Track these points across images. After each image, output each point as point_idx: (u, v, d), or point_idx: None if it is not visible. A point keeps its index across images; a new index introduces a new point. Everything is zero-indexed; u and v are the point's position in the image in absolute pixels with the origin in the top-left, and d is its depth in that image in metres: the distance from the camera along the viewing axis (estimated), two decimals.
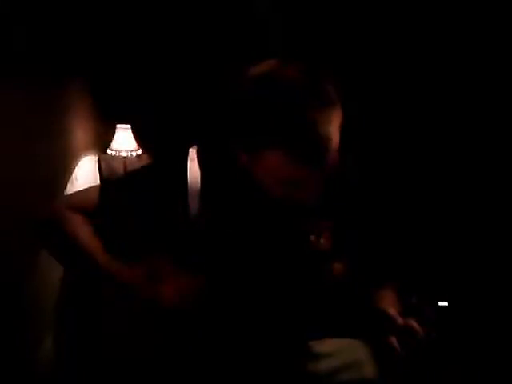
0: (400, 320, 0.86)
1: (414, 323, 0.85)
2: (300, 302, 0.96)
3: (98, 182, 2.54)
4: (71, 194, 1.08)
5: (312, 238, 0.95)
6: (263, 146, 0.81)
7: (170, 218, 0.93)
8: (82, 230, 0.94)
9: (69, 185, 2.13)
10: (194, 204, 0.92)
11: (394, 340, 0.86)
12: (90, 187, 1.04)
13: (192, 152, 0.96)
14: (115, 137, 2.44)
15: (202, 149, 0.97)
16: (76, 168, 2.22)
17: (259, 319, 0.93)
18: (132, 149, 2.45)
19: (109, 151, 2.46)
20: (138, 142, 2.48)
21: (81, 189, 1.06)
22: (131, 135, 2.46)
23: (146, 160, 2.49)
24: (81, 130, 2.30)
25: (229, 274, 0.94)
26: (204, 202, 0.92)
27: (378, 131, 2.08)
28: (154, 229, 0.94)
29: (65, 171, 2.12)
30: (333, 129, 0.80)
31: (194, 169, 0.93)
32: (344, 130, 0.83)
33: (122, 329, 0.95)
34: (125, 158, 2.45)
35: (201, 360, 0.93)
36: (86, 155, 2.36)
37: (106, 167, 2.56)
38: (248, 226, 0.94)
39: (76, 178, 2.20)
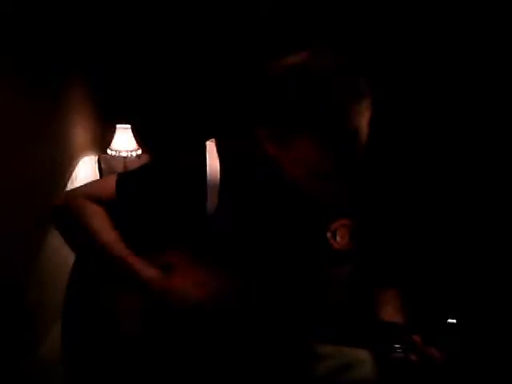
0: (406, 335, 0.84)
1: (419, 339, 0.82)
2: (304, 301, 0.95)
3: None
4: (87, 183, 1.07)
5: (328, 234, 0.95)
6: (294, 134, 0.82)
7: (188, 211, 0.92)
8: (99, 220, 0.94)
9: (69, 185, 2.12)
10: (212, 198, 0.92)
11: (398, 355, 0.83)
12: (106, 178, 1.03)
13: (209, 145, 0.95)
14: (115, 137, 2.43)
15: (224, 142, 0.96)
16: (76, 168, 2.22)
17: (262, 318, 0.93)
18: (132, 149, 2.44)
19: (109, 151, 2.45)
20: (138, 142, 2.48)
21: (97, 179, 1.05)
22: (131, 135, 2.45)
23: (146, 160, 2.50)
24: (81, 130, 2.29)
25: (244, 269, 0.94)
26: (224, 196, 0.92)
27: (392, 141, 2.04)
28: (171, 222, 0.93)
29: (65, 171, 2.12)
30: (364, 120, 0.81)
31: (211, 162, 0.93)
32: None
33: (133, 324, 0.94)
34: (125, 157, 2.44)
35: (202, 359, 0.92)
36: (86, 155, 2.35)
37: (106, 167, 2.56)
38: (268, 219, 0.94)
39: (76, 178, 2.20)
